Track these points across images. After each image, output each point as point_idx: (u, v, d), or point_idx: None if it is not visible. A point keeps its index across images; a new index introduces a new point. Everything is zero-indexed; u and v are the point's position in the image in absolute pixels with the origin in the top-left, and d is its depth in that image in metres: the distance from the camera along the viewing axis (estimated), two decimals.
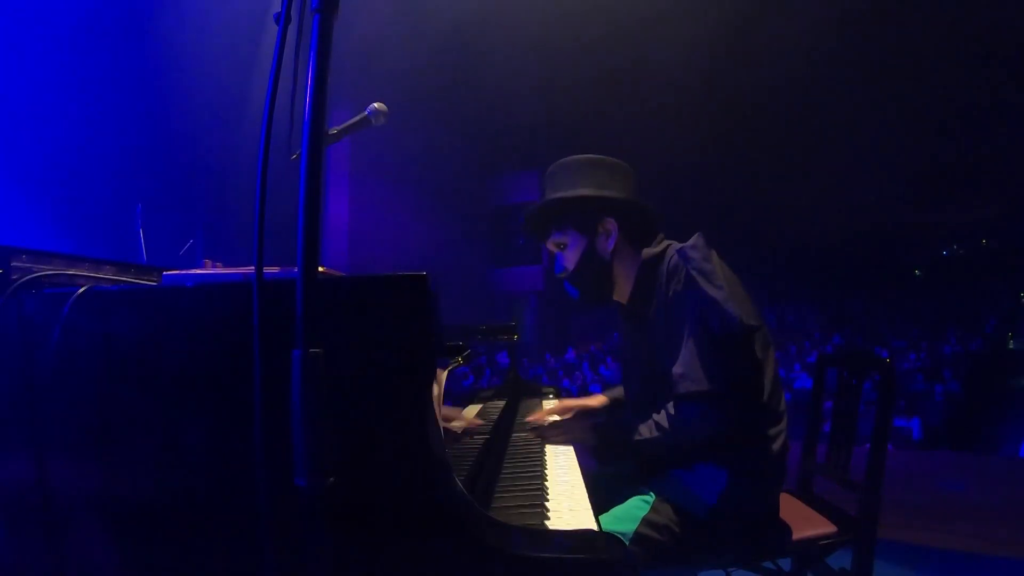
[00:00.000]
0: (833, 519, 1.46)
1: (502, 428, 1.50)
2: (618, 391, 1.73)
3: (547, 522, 0.91)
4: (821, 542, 1.41)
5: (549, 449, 1.38)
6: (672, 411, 1.26)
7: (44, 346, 0.85)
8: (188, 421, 0.83)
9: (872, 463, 1.42)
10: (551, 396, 2.19)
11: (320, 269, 0.62)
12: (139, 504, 0.84)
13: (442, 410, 1.26)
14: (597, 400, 1.73)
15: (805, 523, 1.46)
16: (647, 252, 1.40)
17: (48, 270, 0.96)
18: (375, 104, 1.19)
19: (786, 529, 1.40)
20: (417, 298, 0.79)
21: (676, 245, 1.37)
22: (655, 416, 1.29)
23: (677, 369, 1.25)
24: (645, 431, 1.28)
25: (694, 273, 1.25)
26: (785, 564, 1.48)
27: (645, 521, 1.25)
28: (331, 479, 0.61)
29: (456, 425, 1.24)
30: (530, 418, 1.57)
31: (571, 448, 1.39)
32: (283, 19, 0.66)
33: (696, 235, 1.33)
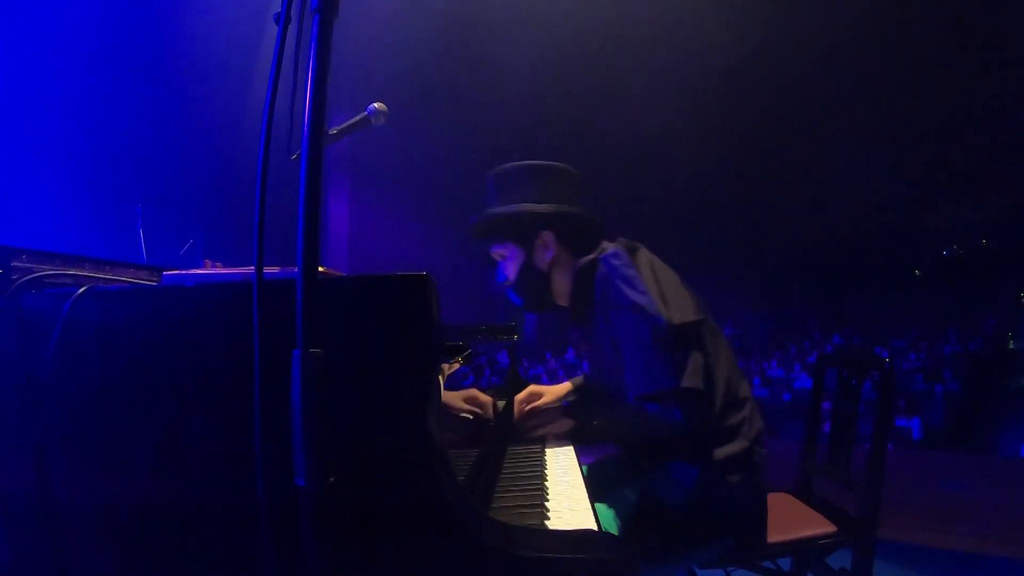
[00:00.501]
0: (833, 519, 1.47)
1: (502, 428, 1.50)
2: (581, 380, 1.77)
3: (547, 522, 0.91)
4: (821, 542, 1.41)
5: (549, 449, 1.38)
6: (642, 413, 1.30)
7: (44, 346, 0.85)
8: (188, 421, 0.83)
9: (872, 463, 1.42)
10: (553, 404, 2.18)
11: (320, 269, 0.63)
12: (140, 503, 0.84)
13: (466, 392, 1.30)
14: (563, 388, 1.75)
15: (805, 523, 1.46)
16: (582, 260, 1.43)
17: (48, 270, 0.96)
18: (375, 104, 1.19)
19: (767, 521, 1.40)
20: (417, 298, 0.79)
21: (608, 249, 1.40)
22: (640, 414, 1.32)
23: (627, 377, 1.29)
24: (631, 417, 1.33)
25: (618, 282, 1.29)
26: (785, 564, 1.48)
27: (637, 509, 1.30)
28: (331, 479, 0.61)
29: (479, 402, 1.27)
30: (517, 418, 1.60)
31: (571, 448, 1.39)
32: (283, 19, 0.66)
33: (616, 241, 1.38)
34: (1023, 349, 15.04)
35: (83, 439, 0.85)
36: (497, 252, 1.48)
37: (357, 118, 1.19)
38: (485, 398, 1.33)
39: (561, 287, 1.47)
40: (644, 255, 1.35)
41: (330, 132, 1.16)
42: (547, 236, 1.43)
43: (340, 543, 0.72)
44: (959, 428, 9.25)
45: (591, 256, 1.42)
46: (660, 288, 1.27)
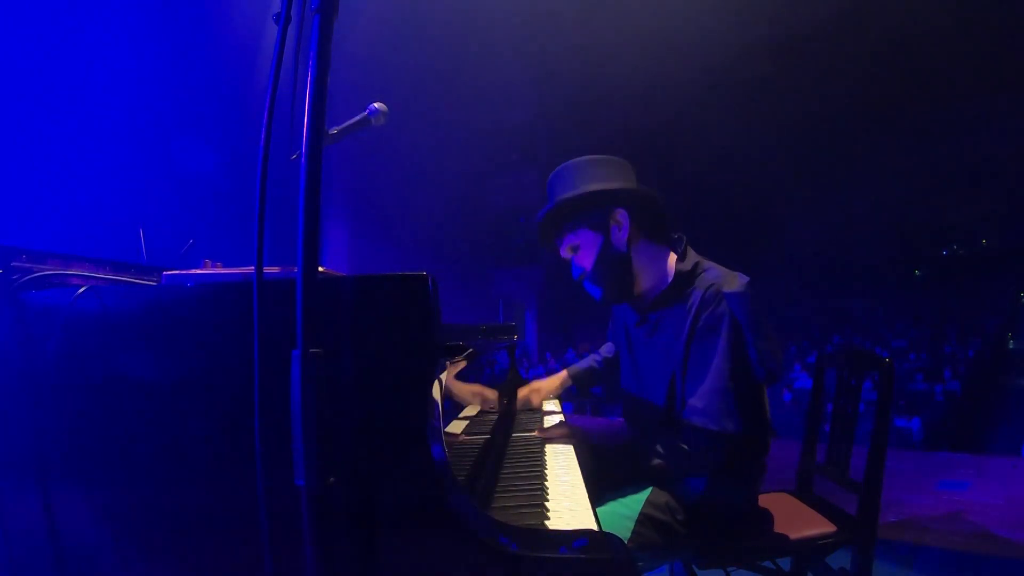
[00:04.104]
0: (833, 519, 1.46)
1: (502, 428, 1.50)
2: (577, 370, 1.89)
3: (547, 522, 0.91)
4: (821, 542, 1.41)
5: (549, 449, 1.38)
6: (684, 440, 1.29)
7: (44, 346, 0.85)
8: (189, 421, 0.83)
9: (872, 463, 1.42)
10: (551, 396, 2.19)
11: (320, 269, 0.63)
12: (140, 503, 0.84)
13: (474, 387, 1.34)
14: (558, 379, 1.88)
15: (805, 523, 1.46)
16: (680, 267, 1.38)
17: (48, 270, 0.96)
18: (375, 104, 1.19)
19: (768, 517, 1.42)
20: (417, 298, 0.79)
21: (709, 269, 1.36)
22: (679, 443, 1.30)
23: (696, 403, 1.26)
24: (667, 456, 1.31)
25: (744, 325, 1.25)
26: (785, 564, 1.48)
27: (649, 502, 1.30)
28: (331, 479, 0.61)
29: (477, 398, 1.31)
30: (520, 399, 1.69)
31: (571, 448, 1.39)
32: (283, 19, 0.67)
33: (746, 284, 1.29)
34: (1023, 349, 15.03)
35: (84, 439, 0.85)
36: (570, 245, 1.43)
37: (357, 118, 1.19)
38: (492, 394, 1.37)
39: (640, 272, 1.41)
40: (751, 291, 1.30)
41: (330, 132, 1.16)
42: (620, 214, 1.37)
43: (339, 542, 0.72)
44: (959, 428, 9.26)
45: (687, 265, 1.37)
46: (771, 332, 1.27)
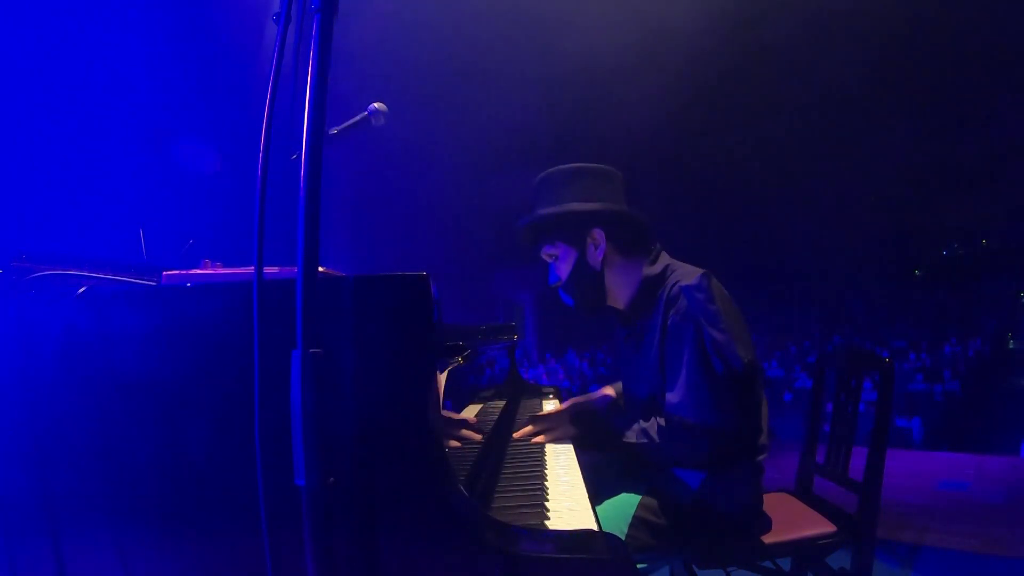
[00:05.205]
0: (833, 519, 1.46)
1: (502, 428, 1.50)
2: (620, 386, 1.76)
3: (547, 522, 0.91)
4: (821, 542, 1.41)
5: (549, 449, 1.38)
6: (662, 430, 1.30)
7: (44, 346, 0.85)
8: (188, 421, 0.83)
9: (872, 463, 1.42)
10: (551, 396, 2.19)
11: (320, 269, 0.63)
12: (140, 504, 0.84)
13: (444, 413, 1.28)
14: (601, 394, 1.75)
15: (805, 523, 1.46)
16: (648, 271, 1.41)
17: (48, 270, 0.96)
18: (375, 104, 1.19)
19: (768, 517, 1.42)
20: (417, 298, 0.79)
21: (677, 269, 1.39)
22: (645, 424, 1.33)
23: (672, 397, 1.28)
24: (632, 436, 1.34)
25: (701, 319, 1.26)
26: (785, 564, 1.48)
27: (642, 505, 1.31)
28: (331, 479, 0.61)
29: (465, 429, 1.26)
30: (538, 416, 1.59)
31: (571, 448, 1.39)
32: (283, 19, 0.66)
33: (699, 275, 1.32)
34: (1023, 349, 15.05)
35: (83, 439, 0.85)
36: (548, 253, 1.47)
37: (357, 118, 1.20)
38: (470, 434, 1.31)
39: (614, 287, 1.45)
40: (717, 286, 1.32)
41: (330, 132, 1.16)
42: (597, 234, 1.41)
43: (339, 543, 0.72)
44: (959, 428, 9.27)
45: (657, 268, 1.40)
46: (734, 325, 1.27)
